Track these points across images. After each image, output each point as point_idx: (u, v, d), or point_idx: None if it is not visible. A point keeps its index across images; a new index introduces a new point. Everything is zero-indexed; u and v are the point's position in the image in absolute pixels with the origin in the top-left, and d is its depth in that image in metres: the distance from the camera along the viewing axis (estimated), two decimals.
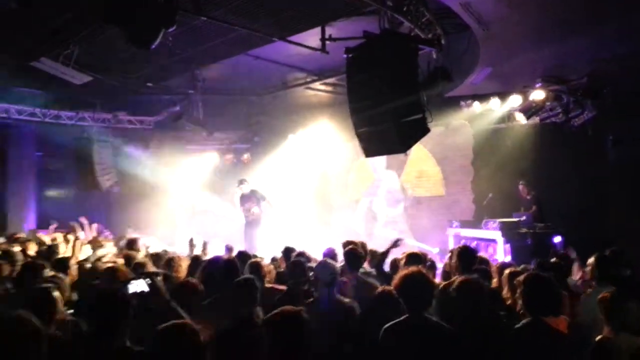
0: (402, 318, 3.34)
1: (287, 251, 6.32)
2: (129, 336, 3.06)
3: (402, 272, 3.55)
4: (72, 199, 14.24)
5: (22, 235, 9.87)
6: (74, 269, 5.50)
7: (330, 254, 5.96)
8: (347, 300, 4.24)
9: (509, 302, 4.34)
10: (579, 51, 7.63)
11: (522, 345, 3.25)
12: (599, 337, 3.31)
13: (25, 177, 12.86)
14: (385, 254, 5.67)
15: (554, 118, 9.57)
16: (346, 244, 5.76)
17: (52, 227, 10.15)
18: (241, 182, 11.49)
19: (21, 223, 12.31)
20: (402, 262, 5.18)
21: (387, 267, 5.67)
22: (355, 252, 5.27)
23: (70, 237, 7.59)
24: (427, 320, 3.31)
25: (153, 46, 4.98)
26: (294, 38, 7.60)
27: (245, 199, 11.35)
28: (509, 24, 6.60)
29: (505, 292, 4.62)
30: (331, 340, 3.67)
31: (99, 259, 6.40)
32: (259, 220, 11.36)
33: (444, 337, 3.24)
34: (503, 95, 9.66)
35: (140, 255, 6.34)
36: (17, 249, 6.95)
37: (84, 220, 10.43)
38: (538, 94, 9.05)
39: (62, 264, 5.32)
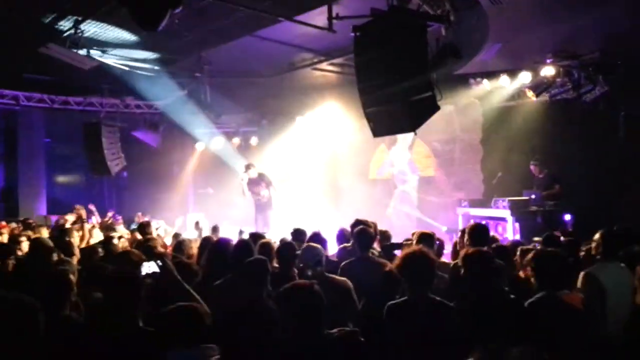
0: (404, 297, 3.36)
1: (297, 233, 6.26)
2: (141, 316, 3.09)
3: (403, 252, 3.56)
4: (81, 184, 14.36)
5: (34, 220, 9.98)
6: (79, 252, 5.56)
7: (343, 235, 5.96)
8: (339, 278, 4.29)
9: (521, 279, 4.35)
10: (591, 25, 7.49)
11: (536, 320, 3.24)
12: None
13: (35, 163, 12.95)
14: (392, 247, 5.69)
15: (565, 94, 9.42)
16: (356, 223, 5.74)
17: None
18: (248, 166, 11.48)
19: (32, 209, 12.42)
20: (413, 242, 5.18)
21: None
22: (365, 232, 5.25)
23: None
24: (429, 298, 3.31)
25: (160, 28, 4.94)
26: (300, 17, 7.53)
27: (253, 183, 11.35)
28: None
29: (518, 269, 4.64)
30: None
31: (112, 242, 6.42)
32: (270, 203, 11.37)
33: (446, 315, 3.24)
34: (513, 71, 9.53)
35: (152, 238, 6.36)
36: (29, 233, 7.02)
37: (92, 207, 10.53)
38: (548, 70, 8.92)
39: (68, 248, 5.37)
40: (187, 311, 2.85)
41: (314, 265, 4.31)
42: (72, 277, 3.59)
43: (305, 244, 4.84)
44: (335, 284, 4.22)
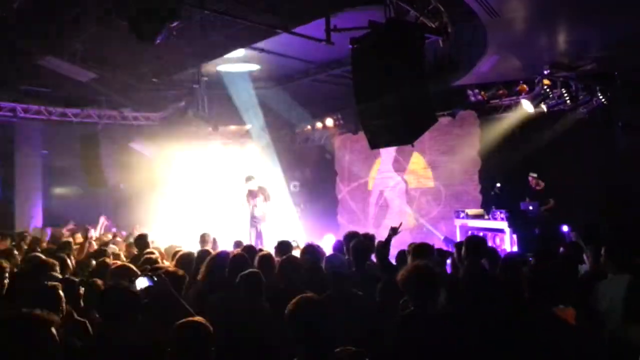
0: (407, 311, 3.32)
1: (282, 245, 5.99)
2: (136, 331, 3.05)
3: (407, 267, 3.51)
4: (78, 196, 14.27)
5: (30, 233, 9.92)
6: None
7: (339, 247, 5.92)
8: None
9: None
10: (588, 37, 7.51)
11: (529, 336, 3.19)
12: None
13: (32, 175, 12.89)
14: (386, 245, 5.51)
15: (562, 105, 9.46)
16: (351, 236, 5.66)
17: (69, 226, 10.22)
18: (248, 178, 11.44)
19: (28, 221, 12.35)
20: (410, 254, 5.11)
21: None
22: (361, 245, 5.19)
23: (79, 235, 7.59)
24: (433, 313, 3.27)
25: (157, 41, 4.95)
26: (298, 30, 7.54)
27: (252, 195, 11.31)
28: (516, 10, 6.51)
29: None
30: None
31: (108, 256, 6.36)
32: (264, 217, 11.32)
33: (449, 328, 3.21)
34: (510, 83, 9.56)
35: (149, 251, 6.31)
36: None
37: (102, 218, 10.37)
38: (546, 82, 8.95)
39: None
40: (196, 326, 2.75)
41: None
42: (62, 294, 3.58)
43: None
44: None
